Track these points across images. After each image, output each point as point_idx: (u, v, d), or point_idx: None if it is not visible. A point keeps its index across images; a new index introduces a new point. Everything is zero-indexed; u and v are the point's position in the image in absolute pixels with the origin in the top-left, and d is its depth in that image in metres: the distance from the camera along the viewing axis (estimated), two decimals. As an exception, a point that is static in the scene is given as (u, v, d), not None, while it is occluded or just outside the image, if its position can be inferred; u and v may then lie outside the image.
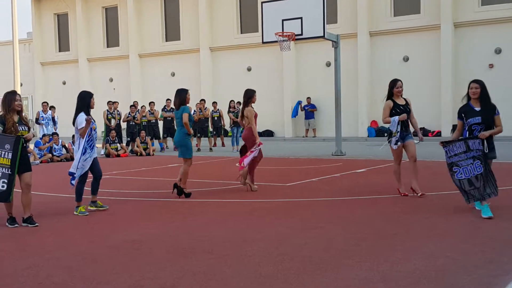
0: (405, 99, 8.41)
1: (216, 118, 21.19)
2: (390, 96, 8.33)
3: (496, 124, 6.94)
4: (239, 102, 20.99)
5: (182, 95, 8.91)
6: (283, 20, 15.77)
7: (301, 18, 15.57)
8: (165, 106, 20.95)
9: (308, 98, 26.51)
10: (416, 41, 24.39)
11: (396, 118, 8.06)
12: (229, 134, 22.40)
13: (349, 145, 19.60)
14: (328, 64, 25.59)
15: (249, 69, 28.39)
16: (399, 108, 8.20)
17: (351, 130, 24.92)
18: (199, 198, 8.85)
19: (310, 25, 15.53)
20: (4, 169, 6.61)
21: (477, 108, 6.94)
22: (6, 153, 6.56)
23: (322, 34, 15.59)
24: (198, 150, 19.66)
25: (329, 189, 9.54)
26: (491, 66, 22.34)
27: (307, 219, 6.90)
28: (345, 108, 21.49)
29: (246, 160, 8.99)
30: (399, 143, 8.04)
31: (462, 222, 6.47)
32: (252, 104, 9.46)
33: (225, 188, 9.97)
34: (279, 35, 15.79)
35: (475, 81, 7.10)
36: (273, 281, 4.38)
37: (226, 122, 22.12)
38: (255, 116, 9.32)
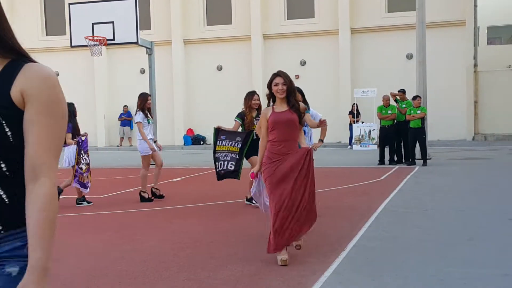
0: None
1: None
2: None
3: None
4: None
5: None
6: (93, 24, 15.12)
7: (113, 22, 15.08)
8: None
9: (125, 106, 25.89)
10: (229, 51, 25.23)
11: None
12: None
13: (166, 154, 19.48)
14: (143, 71, 25.25)
15: (56, 74, 26.74)
16: None
17: (167, 139, 24.86)
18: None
19: (122, 30, 15.11)
20: (234, 154, 8.18)
21: None
22: (237, 143, 8.20)
23: (135, 40, 15.28)
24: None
25: (145, 198, 9.31)
26: (297, 77, 23.95)
27: (123, 232, 6.61)
28: (161, 117, 21.36)
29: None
30: None
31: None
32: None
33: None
34: (89, 39, 15.12)
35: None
36: (85, 302, 4.07)
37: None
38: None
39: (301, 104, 5.27)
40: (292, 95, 5.14)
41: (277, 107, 5.18)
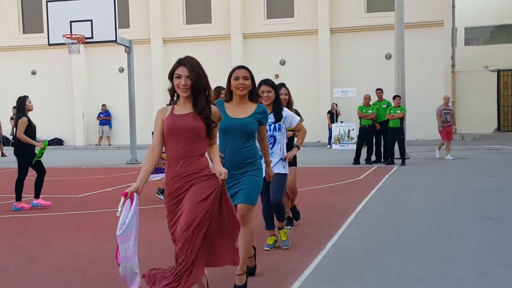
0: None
1: None
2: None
3: None
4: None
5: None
6: (71, 22, 14.98)
7: (91, 20, 14.96)
8: None
9: (104, 105, 25.66)
10: (209, 50, 25.16)
11: None
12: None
13: (145, 153, 19.38)
14: (122, 70, 25.06)
15: (33, 73, 26.41)
16: None
17: (146, 138, 24.63)
18: (-25, 215, 7.87)
19: (101, 28, 15.01)
20: None
21: None
22: None
23: (114, 39, 15.18)
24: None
25: (125, 198, 9.23)
26: (276, 76, 24.00)
27: (102, 231, 6.55)
28: (140, 115, 21.18)
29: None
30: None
31: (260, 227, 6.72)
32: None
33: (7, 203, 9.03)
34: (67, 37, 14.97)
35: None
36: (63, 303, 4.03)
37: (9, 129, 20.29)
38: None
39: (214, 108, 3.63)
40: (201, 95, 3.54)
41: (178, 107, 3.62)
